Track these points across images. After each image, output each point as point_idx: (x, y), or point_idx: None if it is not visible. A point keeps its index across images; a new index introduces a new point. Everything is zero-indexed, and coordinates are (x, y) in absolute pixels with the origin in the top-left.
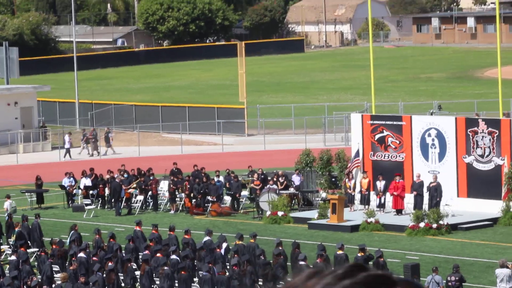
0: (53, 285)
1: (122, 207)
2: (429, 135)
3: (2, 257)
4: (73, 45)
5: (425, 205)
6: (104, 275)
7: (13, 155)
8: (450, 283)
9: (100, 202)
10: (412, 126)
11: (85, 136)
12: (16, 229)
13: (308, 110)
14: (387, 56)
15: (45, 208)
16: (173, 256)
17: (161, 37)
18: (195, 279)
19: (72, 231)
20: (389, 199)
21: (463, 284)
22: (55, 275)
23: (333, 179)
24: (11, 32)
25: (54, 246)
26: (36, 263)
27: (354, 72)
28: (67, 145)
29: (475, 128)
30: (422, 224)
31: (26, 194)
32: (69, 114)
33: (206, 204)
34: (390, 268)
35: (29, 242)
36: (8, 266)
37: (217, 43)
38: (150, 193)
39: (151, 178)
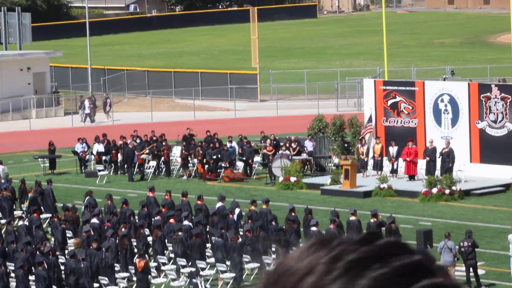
0: (66, 251)
1: (134, 172)
2: (442, 100)
3: (15, 222)
4: (85, 11)
5: (438, 171)
6: (117, 241)
7: (26, 120)
8: (462, 249)
9: (112, 168)
10: (425, 92)
11: (82, 103)
12: (29, 195)
13: (320, 76)
14: (399, 21)
15: (58, 173)
16: (186, 222)
17: (173, 3)
18: (208, 245)
19: (88, 197)
20: (401, 164)
21: (475, 249)
22: (68, 241)
23: (346, 145)
24: None
25: (67, 212)
26: (49, 229)
27: (366, 38)
28: (87, 110)
29: (488, 94)
30: (434, 190)
31: (39, 159)
32: (81, 80)
33: (218, 170)
34: (402, 234)
35: (42, 207)
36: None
37: (229, 8)
38: (162, 158)
39: (164, 144)
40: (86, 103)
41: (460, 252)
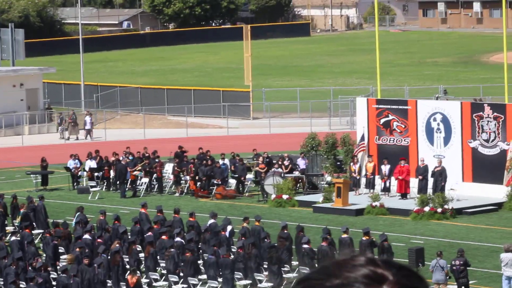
0: (58, 266)
1: (127, 189)
2: (435, 119)
3: (7, 238)
4: (79, 27)
5: (430, 190)
6: (109, 257)
7: (19, 136)
8: (454, 267)
9: (105, 184)
10: (418, 111)
11: (62, 119)
12: (21, 210)
13: (313, 94)
14: (392, 40)
15: (50, 189)
16: (178, 239)
17: (166, 20)
18: (200, 262)
19: (78, 213)
20: (394, 183)
21: (467, 268)
22: (60, 257)
23: (338, 163)
24: (16, 14)
25: (58, 228)
26: (41, 245)
27: (359, 56)
28: (88, 126)
29: (481, 113)
30: (427, 208)
31: (32, 175)
32: (74, 96)
33: (211, 187)
34: (394, 252)
35: (34, 223)
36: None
37: (222, 26)
38: (155, 175)
39: (156, 160)
40: (88, 119)
41: (452, 270)
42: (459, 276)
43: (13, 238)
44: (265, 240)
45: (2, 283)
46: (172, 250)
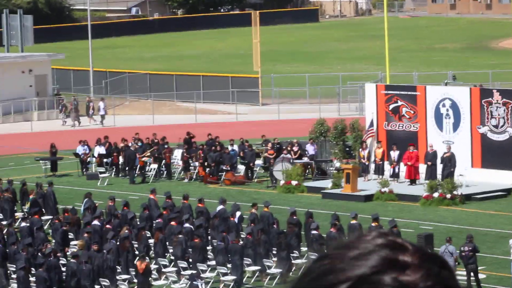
0: (68, 253)
1: (136, 175)
2: (444, 105)
3: (17, 224)
4: (87, 13)
5: (439, 175)
6: (118, 243)
7: (28, 122)
8: (463, 253)
9: (114, 170)
10: (427, 96)
11: (63, 106)
12: (31, 197)
13: (322, 80)
14: (401, 26)
15: (59, 176)
16: (187, 225)
17: (175, 6)
18: (209, 248)
19: (86, 199)
20: (403, 169)
21: (476, 254)
22: (69, 243)
23: (347, 149)
24: (25, 0)
25: (66, 214)
26: (50, 231)
27: (368, 42)
28: (101, 112)
29: (490, 99)
30: (436, 194)
31: (41, 161)
32: (83, 83)
33: (220, 173)
34: (403, 237)
35: (43, 209)
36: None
37: (231, 12)
38: (164, 161)
39: (165, 146)
40: (101, 104)
41: (461, 256)
42: (468, 262)
43: (23, 224)
44: (274, 226)
45: (13, 269)
46: (180, 236)
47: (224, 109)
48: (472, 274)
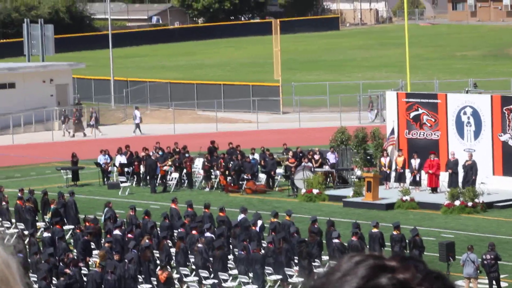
0: (89, 262)
1: (157, 184)
2: (465, 113)
3: (38, 234)
4: (108, 23)
5: (460, 183)
6: (139, 253)
7: (49, 132)
8: (485, 261)
9: (135, 180)
10: (448, 104)
11: (66, 117)
12: (52, 206)
13: (343, 88)
14: (422, 34)
15: (81, 185)
16: (208, 234)
17: (196, 15)
18: (230, 257)
19: (106, 209)
20: (424, 177)
21: (498, 262)
22: (92, 252)
23: (368, 157)
24: (46, 10)
25: (87, 223)
26: (71, 240)
27: (389, 50)
28: (137, 120)
29: (511, 106)
30: (457, 202)
31: (62, 171)
32: (104, 92)
33: (241, 182)
34: (425, 245)
35: (64, 219)
36: (42, 243)
37: (251, 20)
38: (185, 170)
39: (186, 155)
40: (137, 113)
41: (483, 265)
42: (490, 270)
43: (45, 234)
44: (295, 234)
45: (34, 279)
46: (199, 245)
47: (245, 117)
48: (494, 282)
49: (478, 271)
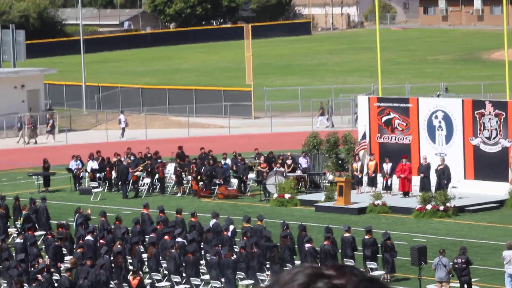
0: (61, 268)
1: (129, 190)
2: (436, 117)
3: (9, 240)
4: (80, 28)
5: (432, 187)
6: (111, 258)
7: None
8: (456, 265)
9: (107, 185)
10: (419, 108)
11: (21, 124)
12: (24, 212)
13: (315, 93)
14: (393, 38)
15: (52, 191)
16: (179, 239)
17: (168, 20)
18: (202, 262)
19: (77, 214)
20: (396, 181)
21: (469, 266)
22: (63, 258)
23: (340, 162)
24: (17, 14)
25: (60, 229)
26: (43, 246)
27: (360, 55)
28: (122, 125)
29: (482, 110)
30: (429, 206)
31: (34, 177)
32: (75, 97)
33: (213, 187)
34: (397, 250)
35: (36, 225)
36: (14, 249)
37: (223, 25)
38: (157, 176)
39: (158, 161)
40: (122, 117)
41: (454, 269)
42: (461, 274)
43: (17, 240)
44: (267, 239)
45: (5, 285)
46: (173, 251)
47: (216, 122)
48: (465, 286)
49: (450, 275)
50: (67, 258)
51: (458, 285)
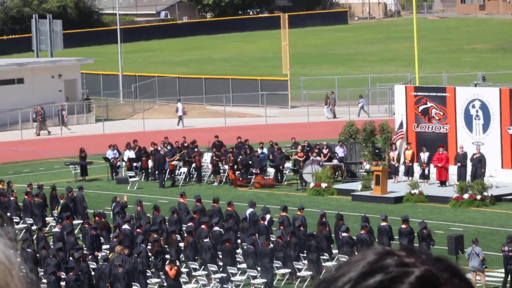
0: (98, 257)
1: (165, 179)
2: (473, 106)
3: (47, 229)
4: (117, 18)
5: (469, 177)
6: (148, 247)
7: (57, 127)
8: (504, 253)
9: (143, 174)
10: (456, 98)
11: (42, 114)
12: (61, 201)
13: (351, 82)
14: (430, 27)
15: (89, 180)
16: (216, 228)
17: (204, 9)
18: (239, 251)
19: (114, 203)
20: (433, 170)
21: None
22: (101, 247)
23: (377, 151)
24: (54, 4)
25: (97, 218)
26: (80, 235)
27: (397, 44)
28: (179, 113)
29: None
30: (466, 196)
31: (70, 166)
32: (112, 87)
33: (249, 176)
34: (434, 239)
35: (73, 214)
36: (52, 238)
37: (260, 15)
38: (193, 165)
39: (195, 150)
40: (180, 106)
41: (503, 256)
42: (508, 262)
43: (56, 229)
44: (301, 228)
45: (42, 273)
46: (206, 240)
47: (253, 112)
48: (510, 275)
49: (484, 266)
50: (104, 247)
51: (502, 274)
